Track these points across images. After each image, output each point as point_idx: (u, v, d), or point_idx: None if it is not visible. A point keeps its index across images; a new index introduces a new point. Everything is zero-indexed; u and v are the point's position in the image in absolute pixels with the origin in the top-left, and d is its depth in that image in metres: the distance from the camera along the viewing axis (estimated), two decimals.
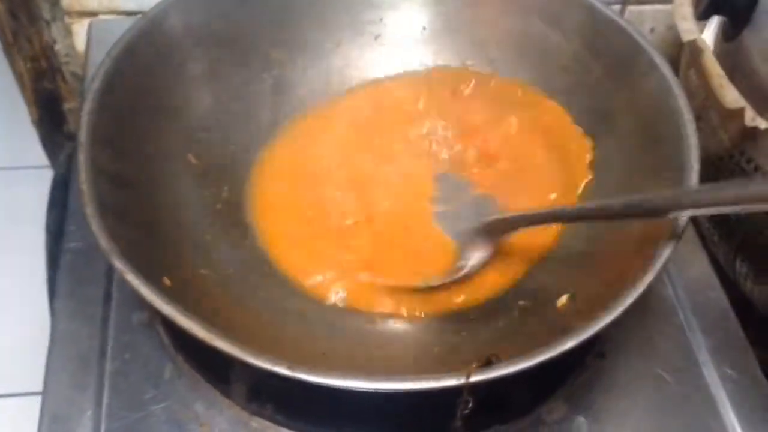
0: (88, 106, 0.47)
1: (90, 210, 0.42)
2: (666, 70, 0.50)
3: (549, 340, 0.39)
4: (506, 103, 0.58)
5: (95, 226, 0.42)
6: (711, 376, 0.50)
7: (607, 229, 0.49)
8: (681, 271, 0.56)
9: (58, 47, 0.82)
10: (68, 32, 0.80)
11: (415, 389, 0.36)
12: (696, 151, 0.46)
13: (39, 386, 0.49)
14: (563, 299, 0.46)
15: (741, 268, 0.60)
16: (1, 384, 0.99)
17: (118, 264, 0.40)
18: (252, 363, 0.37)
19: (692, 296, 0.54)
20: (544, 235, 0.52)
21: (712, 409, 0.49)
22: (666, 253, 0.41)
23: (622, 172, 0.51)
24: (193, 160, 0.54)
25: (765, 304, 0.59)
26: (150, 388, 0.49)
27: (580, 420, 0.48)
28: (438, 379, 0.37)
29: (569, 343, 0.38)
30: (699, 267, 0.57)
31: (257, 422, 0.47)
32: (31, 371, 0.55)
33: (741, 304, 0.57)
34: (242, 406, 0.48)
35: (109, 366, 0.50)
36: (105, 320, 0.51)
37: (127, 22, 0.53)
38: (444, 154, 0.57)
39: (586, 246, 0.49)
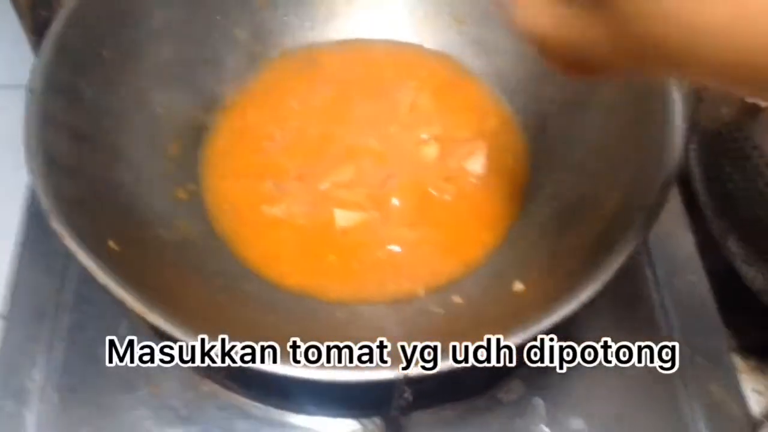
0: (45, 50, 0.45)
1: (35, 165, 0.41)
2: None
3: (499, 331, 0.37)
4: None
5: (38, 183, 0.40)
6: (679, 361, 0.48)
7: (572, 212, 0.46)
8: (663, 248, 0.53)
9: None
10: None
11: (346, 381, 0.35)
12: (679, 137, 0.43)
13: None
14: (519, 284, 0.44)
15: (732, 245, 0.57)
16: None
17: (57, 226, 0.39)
18: (184, 340, 0.36)
19: (671, 278, 0.52)
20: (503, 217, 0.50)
21: (675, 398, 0.47)
22: (628, 249, 0.38)
23: (603, 146, 0.48)
24: (160, 110, 0.51)
25: (754, 283, 0.56)
26: (104, 345, 0.48)
27: (538, 401, 0.47)
28: (372, 371, 0.36)
29: (514, 339, 0.36)
30: (683, 246, 0.54)
31: (208, 386, 0.47)
32: None
33: (732, 281, 0.55)
34: (193, 369, 0.47)
35: (67, 319, 0.49)
36: (64, 272, 0.51)
37: None
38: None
39: (551, 230, 0.47)
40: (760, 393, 0.57)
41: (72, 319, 0.49)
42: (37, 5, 0.83)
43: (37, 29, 0.87)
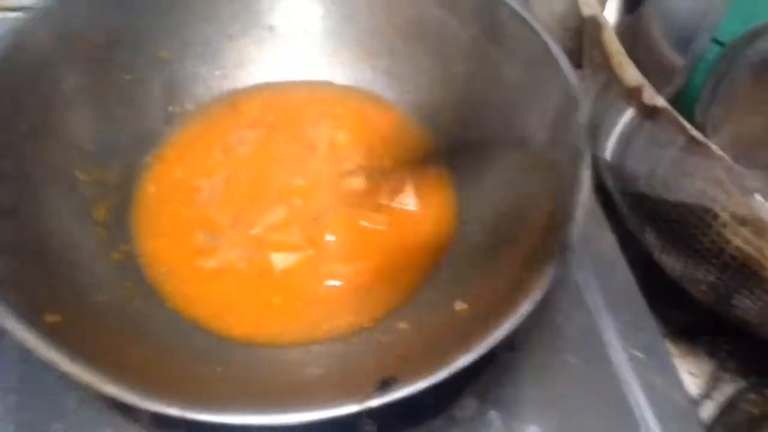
0: None
1: None
2: (560, 56, 0.50)
3: (448, 351, 0.38)
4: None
5: None
6: (618, 359, 0.51)
7: (502, 226, 0.48)
8: (587, 252, 0.56)
9: None
10: None
11: (311, 420, 0.36)
12: (585, 142, 0.45)
13: None
14: (461, 304, 0.45)
15: (650, 237, 0.61)
16: None
17: None
18: (142, 406, 0.36)
19: (599, 277, 0.55)
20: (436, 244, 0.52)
21: (620, 392, 0.50)
22: (559, 259, 0.40)
23: (522, 165, 0.51)
24: (81, 176, 0.51)
25: (673, 270, 0.59)
26: (54, 420, 0.47)
27: (493, 414, 0.48)
28: (334, 406, 0.36)
29: (465, 359, 0.37)
30: (605, 247, 0.57)
31: None
32: None
33: (652, 270, 0.58)
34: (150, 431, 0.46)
35: (10, 401, 0.48)
36: (2, 352, 0.49)
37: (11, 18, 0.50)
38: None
39: (484, 247, 0.49)
40: (694, 375, 0.60)
41: (14, 401, 0.48)
42: None
43: None
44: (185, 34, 0.58)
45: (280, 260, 0.50)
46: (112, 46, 0.55)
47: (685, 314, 0.61)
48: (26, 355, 0.48)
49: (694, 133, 0.49)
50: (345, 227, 0.52)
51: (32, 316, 0.39)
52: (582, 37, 0.64)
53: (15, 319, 0.38)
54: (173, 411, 0.36)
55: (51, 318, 0.40)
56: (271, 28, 0.60)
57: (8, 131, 0.47)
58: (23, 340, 0.37)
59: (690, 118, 0.51)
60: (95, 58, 0.53)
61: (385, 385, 0.37)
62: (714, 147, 0.48)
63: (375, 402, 0.36)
